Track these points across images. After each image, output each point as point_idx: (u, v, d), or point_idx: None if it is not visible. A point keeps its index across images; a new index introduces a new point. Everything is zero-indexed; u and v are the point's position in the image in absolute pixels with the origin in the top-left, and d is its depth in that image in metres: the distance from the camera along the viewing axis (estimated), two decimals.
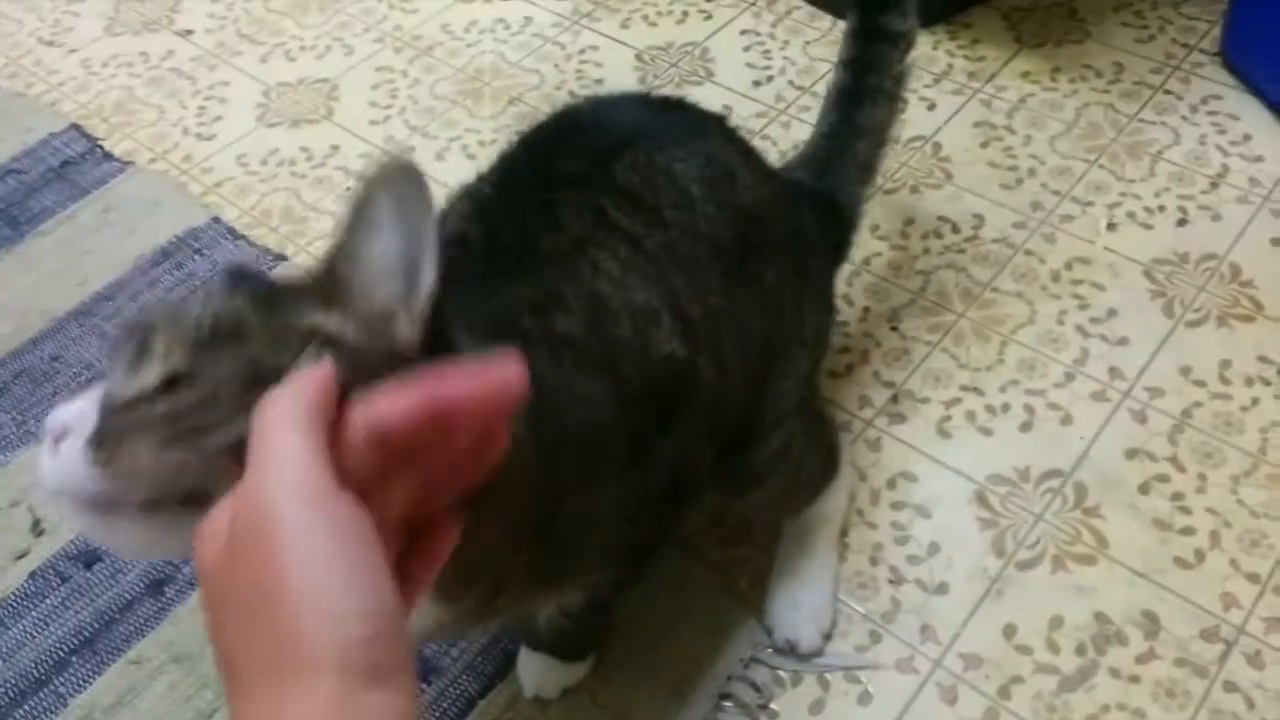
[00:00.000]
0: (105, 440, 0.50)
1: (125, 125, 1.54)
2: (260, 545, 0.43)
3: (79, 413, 0.52)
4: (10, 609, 1.06)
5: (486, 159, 1.42)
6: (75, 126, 1.53)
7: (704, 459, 0.84)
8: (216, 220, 1.39)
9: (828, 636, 0.99)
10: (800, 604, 0.99)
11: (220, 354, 0.52)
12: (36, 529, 1.11)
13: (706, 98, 1.50)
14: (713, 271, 0.82)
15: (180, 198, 1.43)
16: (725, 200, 0.84)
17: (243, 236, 1.37)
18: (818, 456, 0.98)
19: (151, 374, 0.52)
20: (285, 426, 0.45)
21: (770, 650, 0.99)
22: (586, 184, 0.80)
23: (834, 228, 1.04)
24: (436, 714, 0.96)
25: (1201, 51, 1.50)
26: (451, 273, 0.54)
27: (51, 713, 0.99)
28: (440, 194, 1.44)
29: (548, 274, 0.75)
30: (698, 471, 0.84)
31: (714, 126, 0.92)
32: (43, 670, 1.01)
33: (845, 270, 1.26)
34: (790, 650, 0.98)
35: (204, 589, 0.46)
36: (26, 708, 0.99)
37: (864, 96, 1.06)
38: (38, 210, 1.42)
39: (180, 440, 0.50)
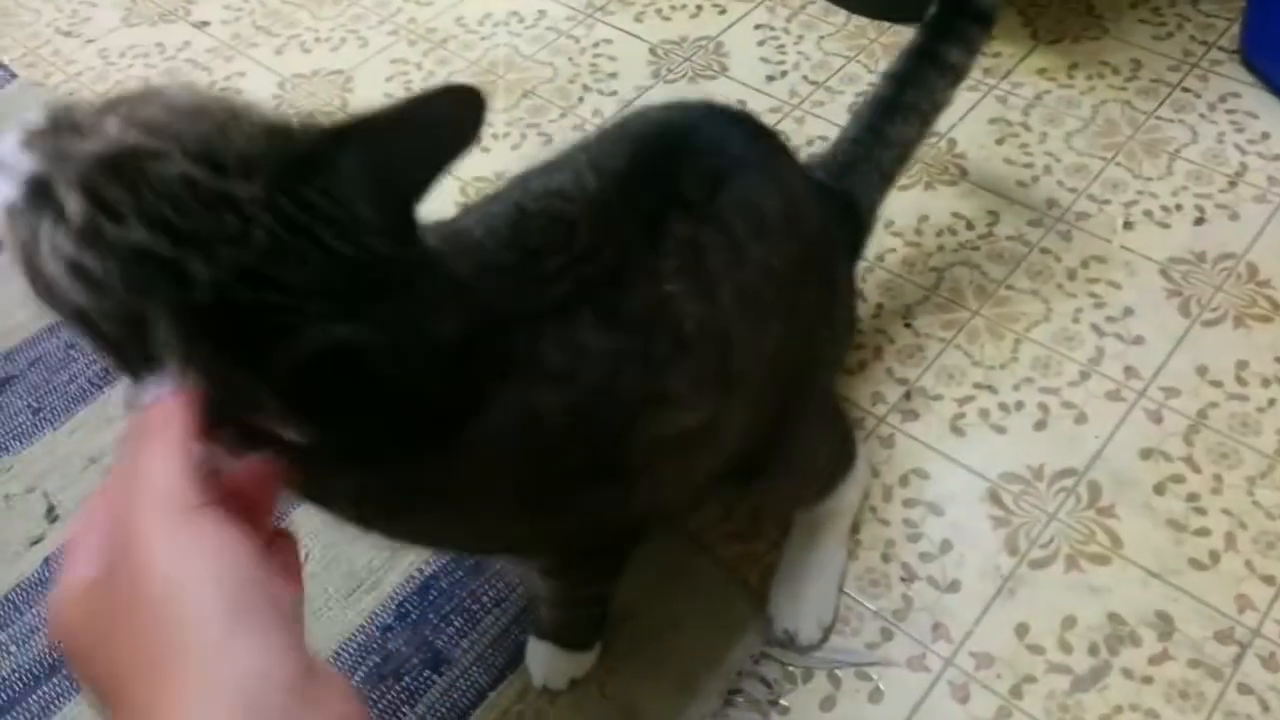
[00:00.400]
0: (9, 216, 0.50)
1: None
2: (132, 557, 0.46)
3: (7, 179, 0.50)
4: (25, 594, 1.06)
5: (500, 152, 1.44)
6: None
7: (675, 492, 0.84)
8: None
9: (827, 632, 0.99)
10: (802, 596, 0.99)
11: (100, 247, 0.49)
12: (51, 515, 1.12)
13: (720, 93, 1.50)
14: (772, 313, 0.80)
15: None
16: (794, 235, 0.83)
17: None
18: (834, 446, 0.98)
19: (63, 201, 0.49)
20: (157, 452, 0.48)
21: (776, 645, 0.99)
22: (696, 214, 0.76)
23: (851, 229, 1.04)
24: (447, 705, 0.96)
25: (1220, 49, 1.49)
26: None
27: (65, 697, 0.99)
28: (452, 186, 1.44)
29: (629, 331, 0.72)
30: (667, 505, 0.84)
31: (784, 151, 0.90)
32: (57, 655, 1.02)
33: (859, 266, 1.26)
34: (789, 641, 0.98)
35: (71, 629, 0.49)
36: (40, 693, 1.00)
37: (898, 112, 1.05)
38: None
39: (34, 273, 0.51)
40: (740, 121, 0.88)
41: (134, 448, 0.49)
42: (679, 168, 0.78)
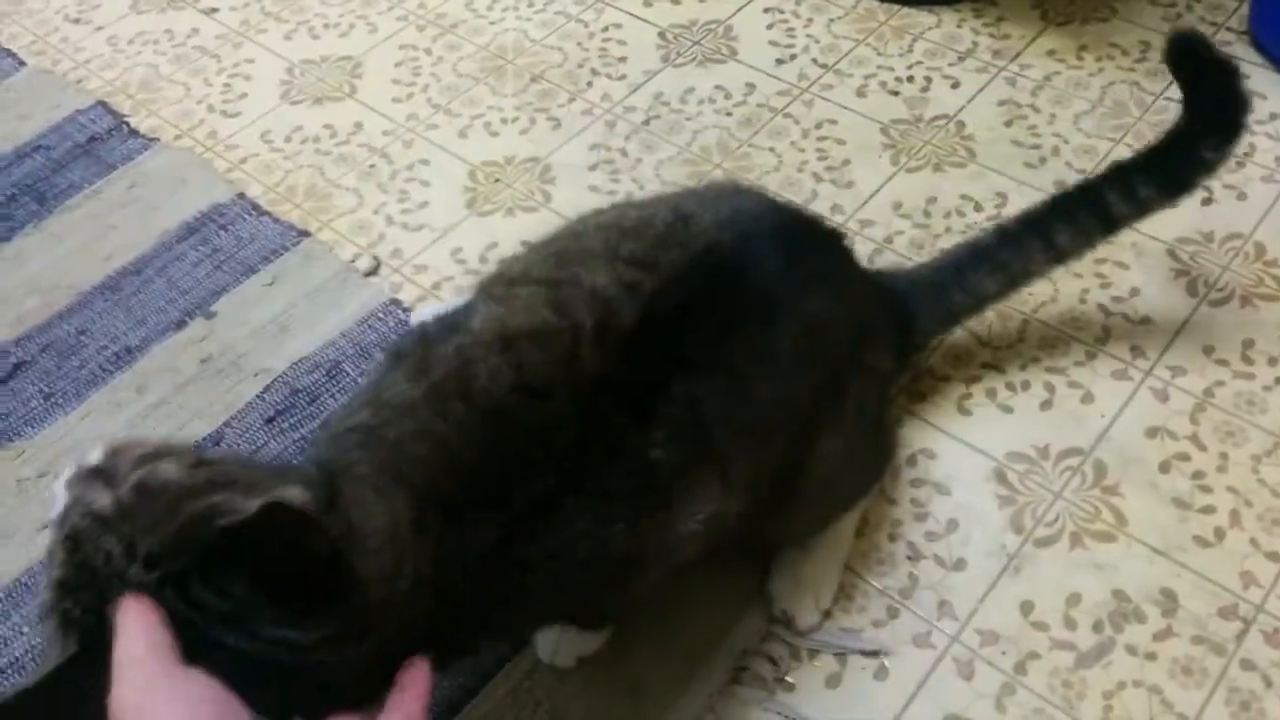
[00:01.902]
0: None
1: (151, 102, 1.55)
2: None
3: None
4: (38, 577, 1.07)
5: (509, 136, 1.44)
6: (101, 103, 1.54)
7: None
8: (241, 196, 1.40)
9: (826, 614, 0.99)
10: (803, 579, 0.99)
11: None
12: None
13: (729, 76, 1.50)
14: (778, 433, 0.84)
15: (205, 174, 1.44)
16: (817, 362, 0.86)
17: (267, 213, 1.38)
18: (865, 471, 1.00)
19: None
20: (130, 634, 0.60)
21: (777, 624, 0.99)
22: (701, 368, 0.79)
23: (904, 341, 1.05)
24: (457, 683, 0.97)
25: (1229, 30, 1.49)
26: None
27: None
28: (460, 170, 1.45)
29: (613, 500, 0.76)
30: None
31: (827, 273, 0.92)
32: None
33: (868, 248, 1.26)
34: (787, 622, 0.99)
35: None
36: None
37: (986, 264, 1.06)
38: (64, 186, 1.44)
39: None
40: (796, 238, 0.90)
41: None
42: (698, 319, 0.79)
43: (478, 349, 0.77)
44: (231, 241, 1.35)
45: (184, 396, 1.20)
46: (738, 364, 0.81)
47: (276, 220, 1.37)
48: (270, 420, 1.17)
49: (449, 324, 0.82)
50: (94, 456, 0.67)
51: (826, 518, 0.99)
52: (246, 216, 1.38)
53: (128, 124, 1.51)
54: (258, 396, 1.19)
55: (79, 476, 0.66)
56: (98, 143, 1.49)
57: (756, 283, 0.83)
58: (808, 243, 0.92)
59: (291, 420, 1.17)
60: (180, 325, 1.27)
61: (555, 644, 0.97)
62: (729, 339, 0.80)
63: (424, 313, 1.24)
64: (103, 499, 0.65)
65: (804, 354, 0.85)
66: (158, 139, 1.49)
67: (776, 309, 0.83)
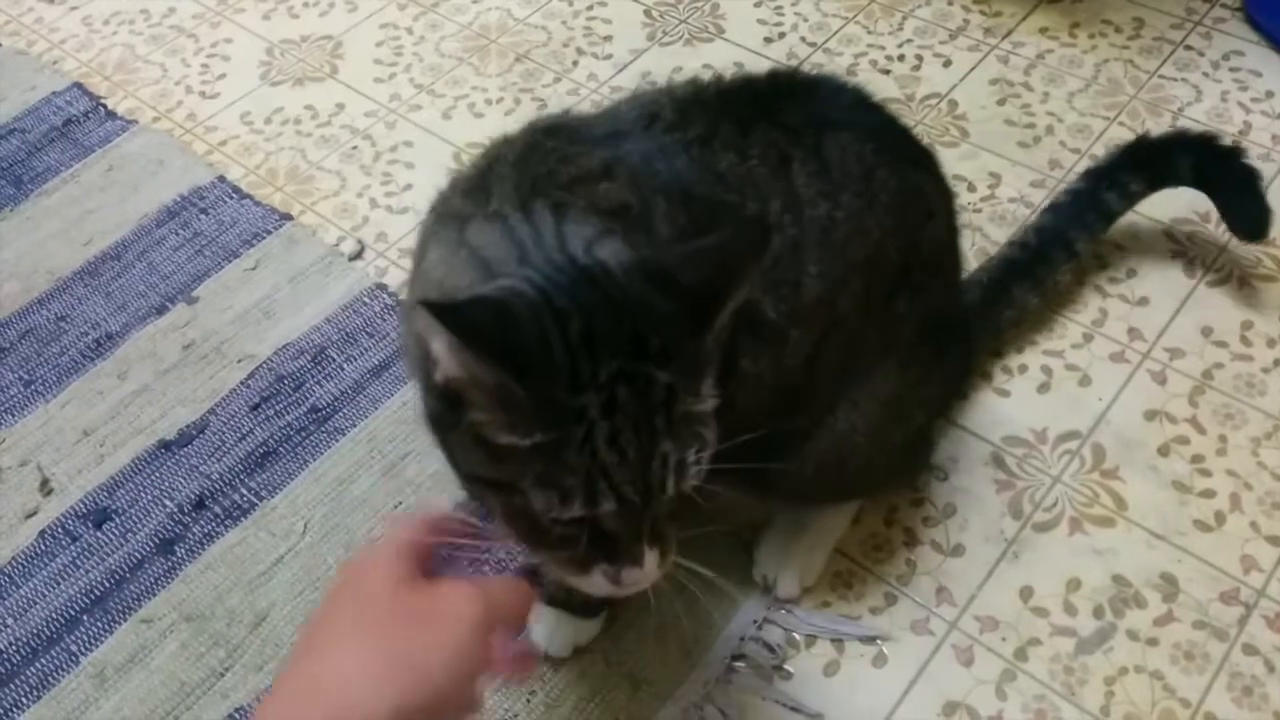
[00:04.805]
0: None
1: (128, 83, 1.52)
2: None
3: None
4: (20, 567, 1.05)
5: (494, 117, 1.42)
6: (77, 85, 1.51)
7: None
8: (221, 179, 1.38)
9: (808, 589, 0.98)
10: (790, 550, 0.98)
11: None
12: (45, 488, 1.10)
13: (717, 55, 1.48)
14: (857, 276, 0.82)
15: (184, 156, 1.41)
16: (908, 227, 0.85)
17: (248, 195, 1.35)
18: (891, 463, 0.96)
19: None
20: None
21: (773, 607, 0.98)
22: (790, 133, 0.81)
23: (968, 365, 1.08)
24: None
25: (1223, 6, 1.47)
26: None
27: (63, 670, 0.98)
28: (445, 151, 1.42)
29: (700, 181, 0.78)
30: None
31: (933, 169, 0.92)
32: (54, 628, 1.01)
33: None
34: (766, 589, 0.98)
35: None
36: (38, 665, 0.99)
37: (1028, 279, 1.12)
38: (41, 169, 1.40)
39: None
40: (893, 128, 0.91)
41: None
42: (789, 103, 0.84)
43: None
44: (212, 225, 1.32)
45: (166, 383, 1.18)
46: (829, 156, 0.82)
47: (258, 203, 1.35)
48: (255, 407, 1.15)
49: None
50: None
51: (839, 490, 0.96)
52: (227, 200, 1.35)
53: (105, 106, 1.48)
54: (242, 383, 1.17)
55: None
56: (74, 125, 1.45)
57: (871, 123, 0.87)
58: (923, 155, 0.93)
59: (276, 407, 1.15)
60: (161, 311, 1.24)
61: (553, 632, 0.95)
62: (828, 133, 0.83)
63: None
64: None
65: (903, 208, 0.84)
66: (135, 121, 1.46)
67: (887, 151, 0.85)
